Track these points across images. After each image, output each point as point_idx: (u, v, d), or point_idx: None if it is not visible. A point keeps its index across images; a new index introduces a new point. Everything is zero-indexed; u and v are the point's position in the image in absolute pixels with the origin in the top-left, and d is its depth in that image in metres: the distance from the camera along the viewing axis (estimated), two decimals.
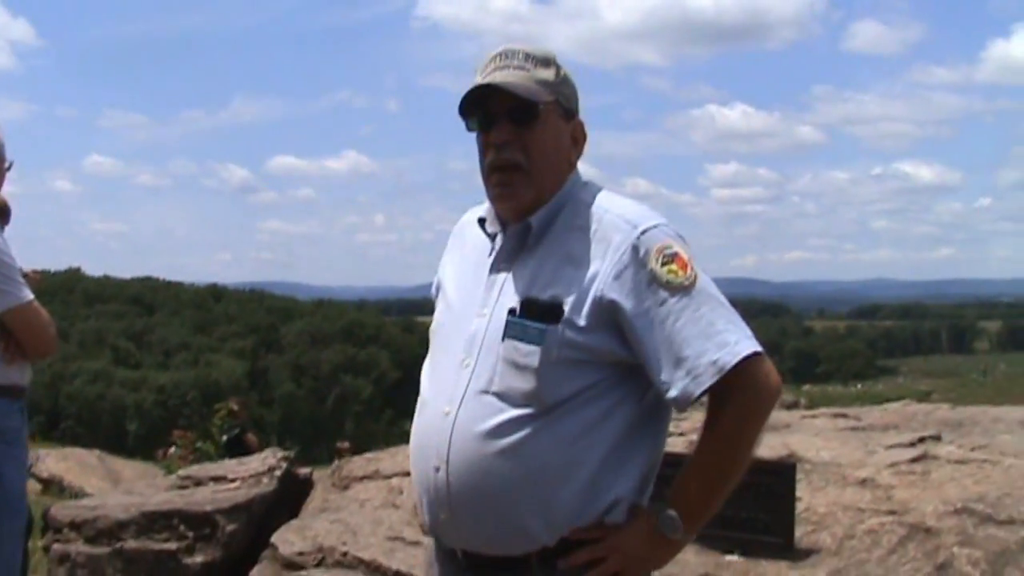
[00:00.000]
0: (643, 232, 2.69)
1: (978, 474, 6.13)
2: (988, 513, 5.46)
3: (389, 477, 7.66)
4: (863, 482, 6.24)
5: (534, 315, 2.67)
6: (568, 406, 2.65)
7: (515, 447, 2.63)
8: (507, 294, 2.75)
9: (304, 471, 8.39)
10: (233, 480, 7.74)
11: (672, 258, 2.67)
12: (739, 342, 2.67)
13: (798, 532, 5.82)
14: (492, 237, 2.88)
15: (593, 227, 2.74)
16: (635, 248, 2.67)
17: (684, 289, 2.65)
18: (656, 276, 2.65)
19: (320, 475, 8.38)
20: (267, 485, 7.66)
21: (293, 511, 7.65)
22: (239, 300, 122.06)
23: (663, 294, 2.65)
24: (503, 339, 2.68)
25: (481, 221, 2.92)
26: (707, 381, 2.62)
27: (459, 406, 2.69)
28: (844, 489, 6.19)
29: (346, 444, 16.12)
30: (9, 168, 4.98)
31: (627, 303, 2.65)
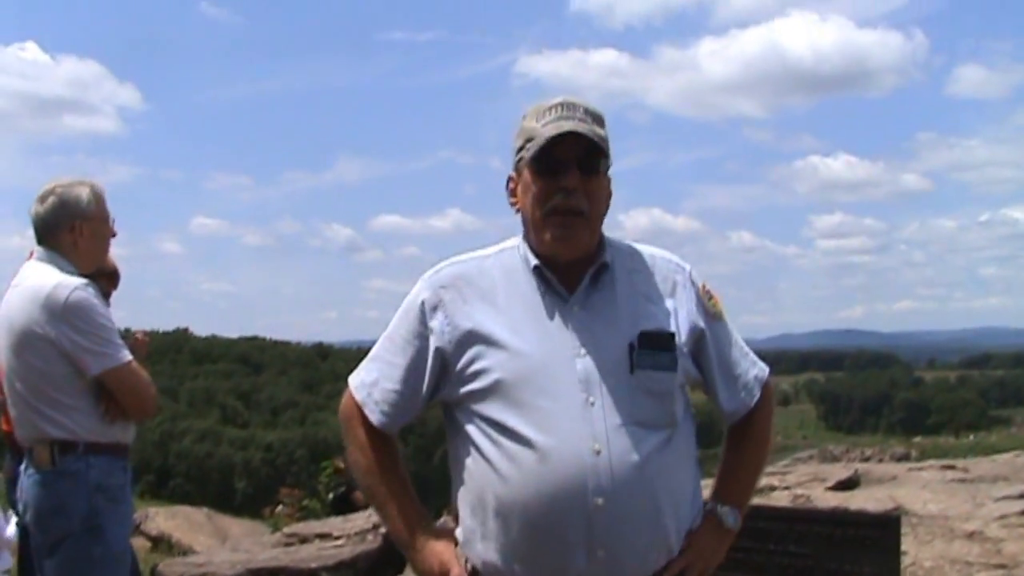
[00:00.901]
0: (691, 271, 3.10)
1: None
2: None
3: None
4: (971, 535, 6.16)
5: (655, 346, 2.88)
6: (682, 426, 2.94)
7: (662, 469, 2.83)
8: (606, 331, 2.89)
9: None
10: (338, 537, 7.82)
11: (711, 293, 3.11)
12: (758, 360, 3.20)
13: None
14: (546, 282, 2.95)
15: (651, 270, 3.04)
16: (694, 283, 3.07)
17: (723, 318, 3.11)
18: (709, 308, 3.07)
19: None
20: (372, 542, 7.72)
21: (398, 568, 7.68)
22: (345, 358, 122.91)
23: (715, 323, 3.08)
24: (632, 371, 2.84)
25: (537, 268, 2.96)
26: (757, 392, 3.15)
27: (607, 441, 2.77)
28: (951, 543, 6.12)
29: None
30: (114, 234, 5.10)
31: (708, 330, 3.04)
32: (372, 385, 3.11)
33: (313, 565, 7.23)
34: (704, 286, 3.09)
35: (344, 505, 13.15)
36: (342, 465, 14.66)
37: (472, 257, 3.09)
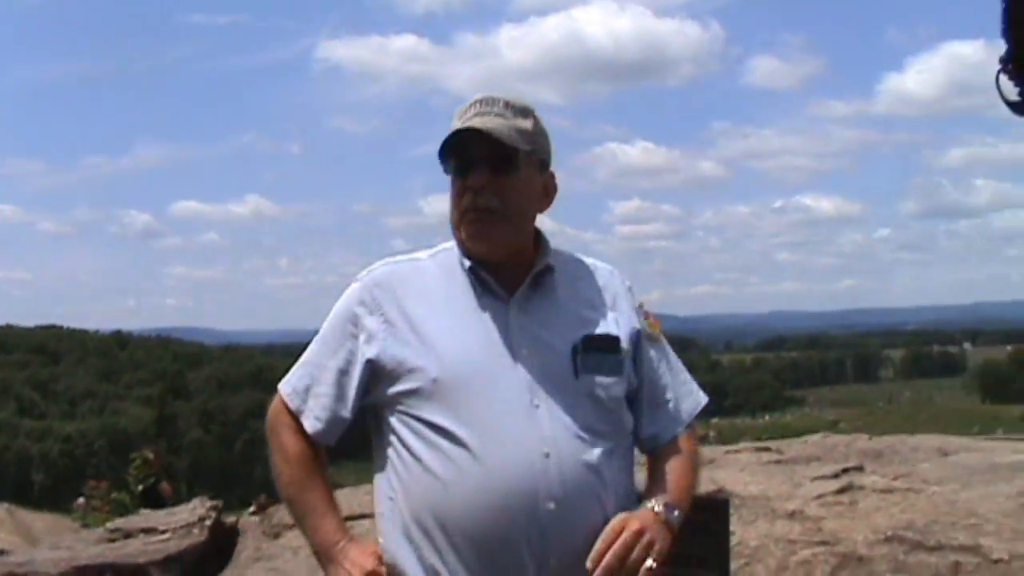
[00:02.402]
0: (631, 286, 3.02)
1: (903, 503, 6.25)
2: (918, 540, 5.59)
3: None
4: (792, 514, 6.33)
5: (600, 350, 2.79)
6: (627, 439, 2.86)
7: (610, 477, 2.72)
8: (549, 334, 2.79)
9: (231, 519, 8.36)
10: (163, 532, 7.70)
11: (648, 313, 3.00)
12: (697, 389, 3.07)
13: (733, 566, 5.89)
14: (483, 282, 2.84)
15: (594, 277, 2.96)
16: (633, 298, 2.98)
17: (660, 341, 3.00)
18: (645, 328, 2.95)
19: (246, 523, 8.35)
20: (197, 536, 7.62)
21: (223, 560, 7.61)
22: (145, 347, 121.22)
23: (651, 344, 2.96)
24: (577, 376, 2.74)
25: (472, 268, 2.84)
26: (684, 421, 3.00)
27: (555, 445, 2.66)
28: (774, 522, 6.29)
29: (266, 499, 15.87)
30: None
31: (643, 349, 2.92)
32: (306, 392, 2.95)
33: (140, 560, 7.11)
34: (642, 304, 2.99)
35: (154, 498, 12.96)
36: (151, 456, 14.46)
37: (407, 258, 2.99)
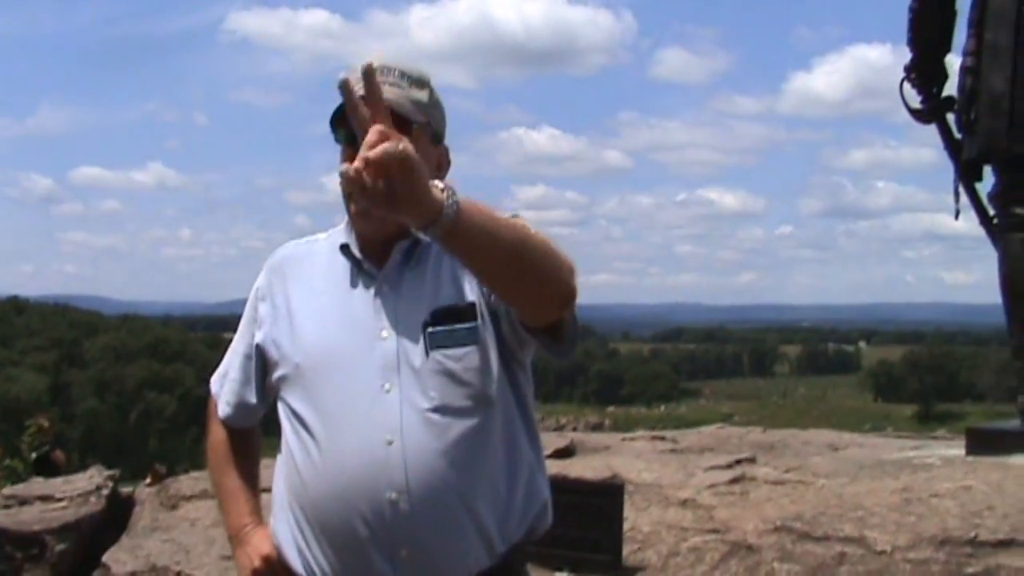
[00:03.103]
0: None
1: (793, 494, 6.40)
2: (805, 530, 5.74)
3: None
4: (685, 502, 6.47)
5: (451, 321, 2.62)
6: (500, 405, 2.66)
7: (471, 459, 2.58)
8: (410, 311, 2.64)
9: (127, 490, 8.35)
10: (60, 500, 7.67)
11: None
12: None
13: (625, 550, 6.03)
14: (358, 262, 2.73)
15: None
16: None
17: None
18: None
19: (142, 494, 8.33)
20: (95, 504, 7.60)
21: (120, 531, 7.60)
22: (42, 313, 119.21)
23: None
24: (427, 354, 2.60)
25: (344, 247, 2.75)
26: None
27: (401, 432, 2.53)
28: (667, 509, 6.42)
29: (163, 467, 15.74)
30: None
31: None
32: (223, 377, 2.98)
33: (36, 528, 7.08)
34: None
35: (46, 466, 12.86)
36: (45, 424, 14.33)
37: (310, 240, 2.92)
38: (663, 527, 6.19)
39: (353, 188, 2.13)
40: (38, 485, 8.39)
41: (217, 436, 3.01)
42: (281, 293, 2.82)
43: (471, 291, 2.66)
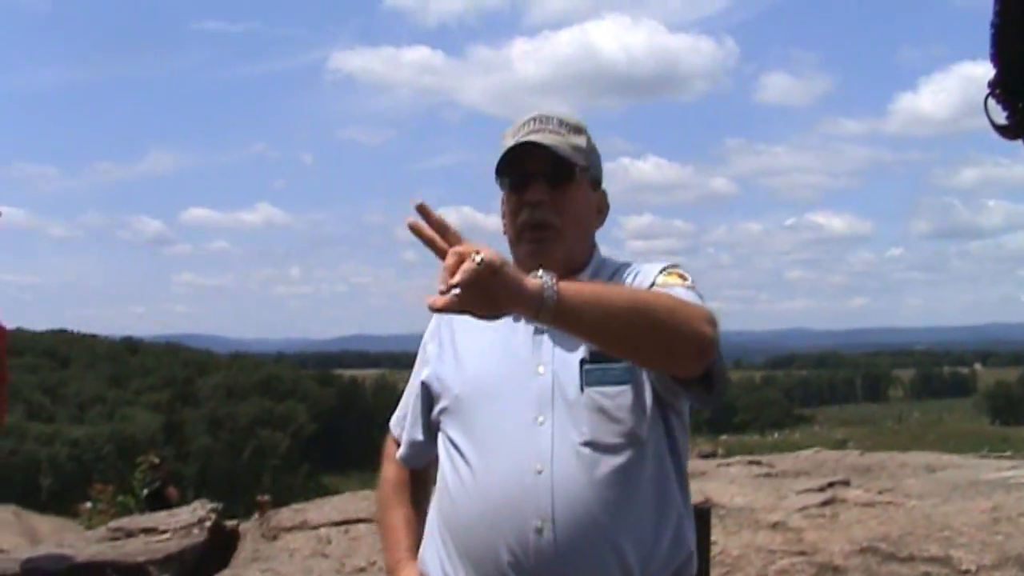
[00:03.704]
0: (670, 264, 2.82)
1: (883, 515, 6.39)
2: (891, 551, 5.74)
3: (317, 528, 7.81)
4: (775, 525, 6.48)
5: (606, 359, 2.63)
6: (650, 445, 2.66)
7: (619, 495, 2.58)
8: (566, 349, 2.69)
9: (231, 523, 8.50)
10: (164, 532, 7.84)
11: (675, 267, 2.81)
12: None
13: (713, 574, 6.05)
14: None
15: (623, 279, 2.81)
16: (654, 275, 2.76)
17: (674, 283, 2.71)
18: (659, 282, 2.71)
19: (247, 527, 8.49)
20: (197, 536, 7.77)
21: (223, 562, 7.74)
22: (155, 353, 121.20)
23: (681, 282, 2.72)
24: (582, 389, 2.64)
25: None
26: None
27: (551, 462, 2.58)
28: (757, 532, 6.43)
29: (266, 497, 15.90)
30: None
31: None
32: (403, 420, 3.06)
33: (140, 559, 7.25)
34: (664, 275, 2.77)
35: (159, 501, 13.08)
36: (156, 460, 14.57)
37: None
38: (752, 550, 6.21)
39: (453, 310, 2.22)
40: (143, 518, 8.59)
41: (387, 474, 3.08)
42: (448, 331, 2.91)
43: None
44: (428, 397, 2.92)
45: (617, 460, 2.60)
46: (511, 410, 2.66)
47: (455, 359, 2.85)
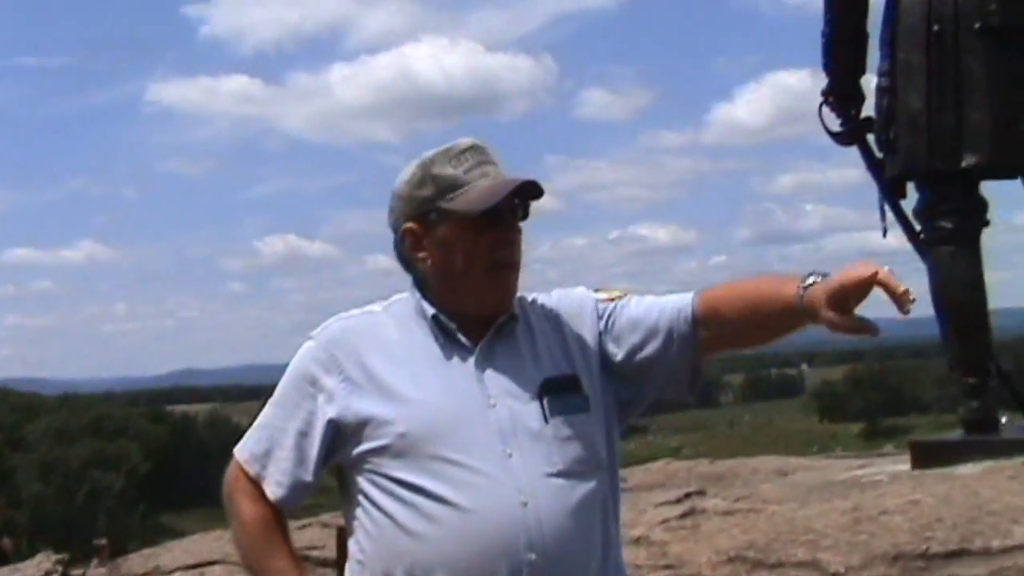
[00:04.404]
0: (594, 296, 2.85)
1: (744, 523, 6.42)
2: (759, 559, 5.75)
3: (170, 573, 7.62)
4: (637, 540, 6.46)
5: (563, 391, 2.68)
6: (608, 470, 2.72)
7: (590, 522, 2.62)
8: (515, 381, 2.68)
9: (78, 572, 8.27)
10: None
11: (602, 289, 2.89)
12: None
13: None
14: (448, 333, 2.73)
15: (556, 312, 2.83)
16: (596, 306, 2.83)
17: (620, 299, 2.84)
18: (601, 307, 2.81)
19: (95, 575, 8.26)
20: None
21: None
22: None
23: (616, 306, 2.82)
24: (546, 420, 2.64)
25: (436, 318, 2.74)
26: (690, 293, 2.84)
27: (533, 493, 2.56)
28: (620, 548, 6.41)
29: (103, 541, 15.51)
30: None
31: (614, 322, 2.80)
32: (265, 456, 2.80)
33: None
34: (599, 293, 2.88)
35: None
36: None
37: (361, 312, 2.88)
38: None
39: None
40: None
41: (252, 514, 2.83)
42: (355, 365, 2.74)
43: (572, 367, 2.73)
44: (331, 436, 2.75)
45: (587, 487, 2.62)
46: (476, 444, 2.61)
47: (384, 395, 2.68)
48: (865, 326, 2.48)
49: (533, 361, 2.72)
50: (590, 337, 2.79)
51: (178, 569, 7.59)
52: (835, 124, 7.87)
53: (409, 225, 2.76)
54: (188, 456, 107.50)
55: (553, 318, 2.82)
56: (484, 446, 2.60)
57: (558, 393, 2.67)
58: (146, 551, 8.43)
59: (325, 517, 7.88)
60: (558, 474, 2.60)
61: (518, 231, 2.76)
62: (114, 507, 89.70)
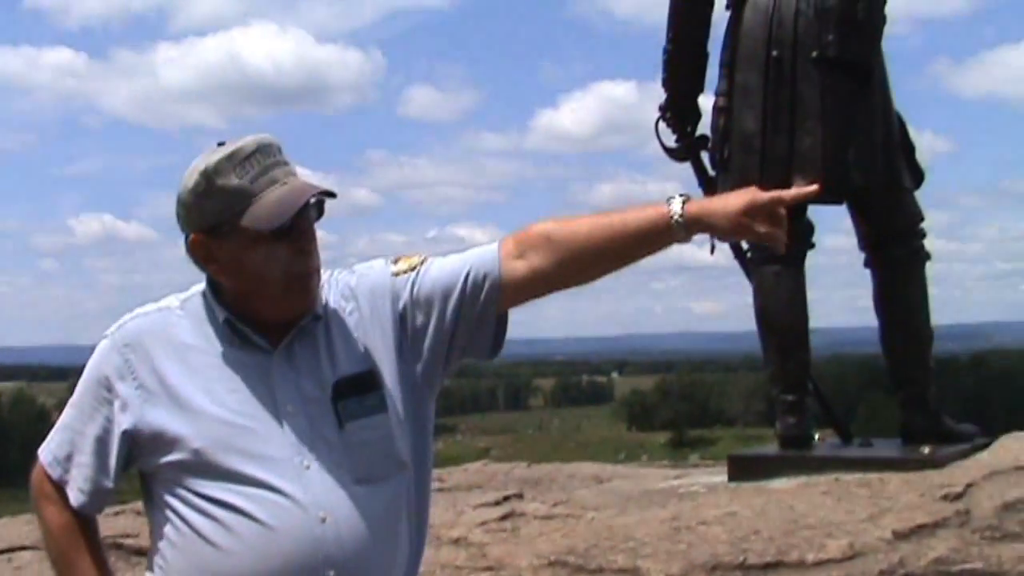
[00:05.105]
0: (389, 268, 2.78)
1: (564, 528, 6.46)
2: (579, 564, 5.79)
3: None
4: (457, 541, 6.46)
5: (358, 392, 2.62)
6: (413, 468, 2.70)
7: (393, 527, 2.62)
8: (312, 385, 2.63)
9: None
10: None
11: (399, 259, 2.80)
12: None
13: None
14: (243, 336, 2.65)
15: (355, 296, 2.75)
16: (393, 279, 2.75)
17: (417, 266, 2.76)
18: (400, 281, 2.73)
19: None
20: None
21: None
22: None
23: (415, 275, 2.75)
24: (341, 426, 2.59)
25: (229, 322, 2.65)
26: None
27: (331, 508, 2.53)
28: (439, 549, 6.39)
29: None
30: None
31: (416, 290, 2.72)
32: (67, 461, 2.73)
33: None
34: (398, 264, 2.78)
35: None
36: None
37: (158, 308, 2.76)
38: (437, 567, 6.17)
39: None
40: None
41: (57, 520, 2.76)
42: (149, 372, 2.66)
43: (367, 360, 2.67)
44: (128, 446, 2.69)
45: (388, 491, 2.62)
46: (271, 459, 2.56)
47: (175, 405, 2.62)
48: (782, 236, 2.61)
49: (329, 361, 2.66)
50: (390, 317, 2.71)
51: None
52: (671, 140, 7.99)
53: (197, 236, 2.65)
54: None
55: (351, 301, 2.74)
56: (280, 459, 2.55)
57: (352, 395, 2.62)
58: None
59: (138, 504, 7.74)
60: (357, 482, 2.57)
61: (313, 237, 2.66)
62: None
